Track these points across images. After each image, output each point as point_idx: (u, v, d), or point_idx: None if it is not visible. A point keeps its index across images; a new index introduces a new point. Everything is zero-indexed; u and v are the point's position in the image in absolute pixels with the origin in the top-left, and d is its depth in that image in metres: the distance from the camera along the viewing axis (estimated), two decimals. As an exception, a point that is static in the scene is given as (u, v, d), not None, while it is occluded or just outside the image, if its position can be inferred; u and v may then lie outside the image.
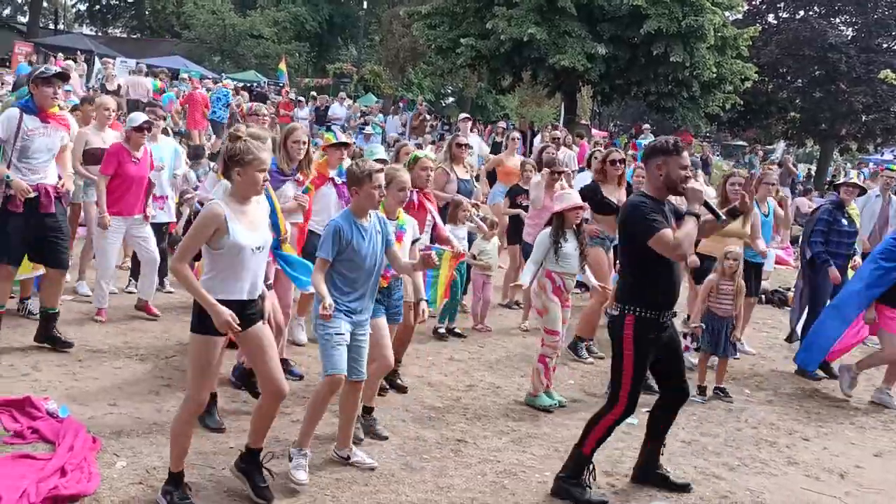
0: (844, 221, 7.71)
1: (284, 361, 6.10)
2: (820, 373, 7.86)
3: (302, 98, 25.40)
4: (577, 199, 6.48)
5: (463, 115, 13.88)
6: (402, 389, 6.33)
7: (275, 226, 5.29)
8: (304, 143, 6.40)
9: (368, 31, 48.65)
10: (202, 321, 4.10)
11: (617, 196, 7.84)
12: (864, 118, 36.03)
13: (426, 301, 5.57)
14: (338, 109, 25.10)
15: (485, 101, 46.34)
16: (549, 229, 6.42)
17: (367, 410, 5.50)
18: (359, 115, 25.82)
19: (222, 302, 4.07)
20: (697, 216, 4.59)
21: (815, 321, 7.79)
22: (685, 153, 4.71)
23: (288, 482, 4.57)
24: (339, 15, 48.14)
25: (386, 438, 5.41)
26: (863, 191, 8.88)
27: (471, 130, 14.35)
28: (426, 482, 4.86)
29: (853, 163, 38.52)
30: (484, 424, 5.92)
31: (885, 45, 36.62)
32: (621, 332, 4.72)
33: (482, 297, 8.61)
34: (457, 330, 8.15)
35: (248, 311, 4.20)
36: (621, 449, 5.67)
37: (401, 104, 33.48)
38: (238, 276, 4.13)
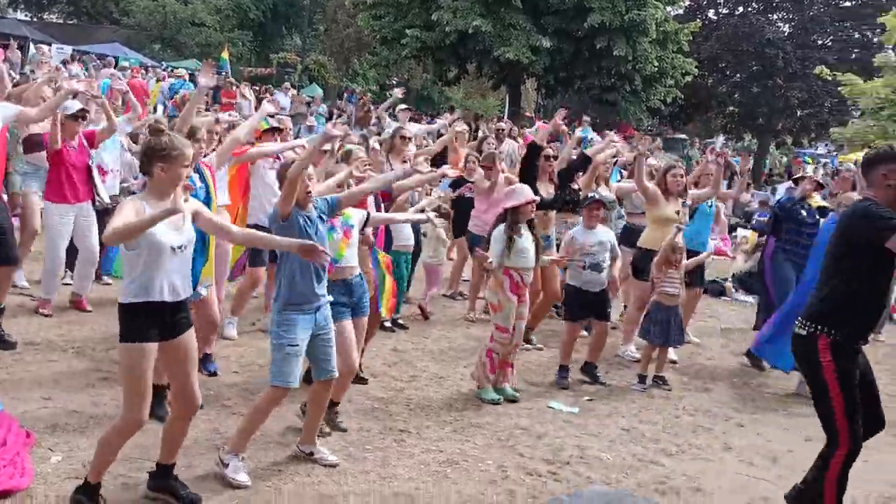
0: (804, 212, 7.85)
1: (206, 356, 6.05)
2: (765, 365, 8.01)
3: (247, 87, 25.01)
4: (529, 194, 6.43)
5: (402, 105, 13.75)
6: (362, 381, 6.30)
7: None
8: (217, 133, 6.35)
9: (313, 21, 48.19)
10: (131, 328, 3.87)
11: (547, 191, 7.90)
12: (799, 113, 36.88)
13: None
14: (282, 99, 24.81)
15: (430, 92, 46.28)
16: (503, 225, 6.33)
17: (332, 404, 5.48)
18: (304, 105, 25.55)
19: (145, 304, 3.85)
20: None
21: (779, 313, 7.93)
22: None
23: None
24: (283, 4, 47.56)
25: (345, 430, 5.41)
26: (820, 185, 9.06)
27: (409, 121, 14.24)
28: (369, 473, 4.87)
29: (788, 157, 39.39)
30: (427, 415, 5.95)
31: (819, 42, 37.50)
32: (816, 356, 4.25)
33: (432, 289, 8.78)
34: (401, 321, 8.16)
35: (175, 317, 4.00)
36: (562, 437, 5.75)
37: (346, 94, 33.29)
38: (160, 277, 3.88)
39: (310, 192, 4.63)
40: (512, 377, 6.55)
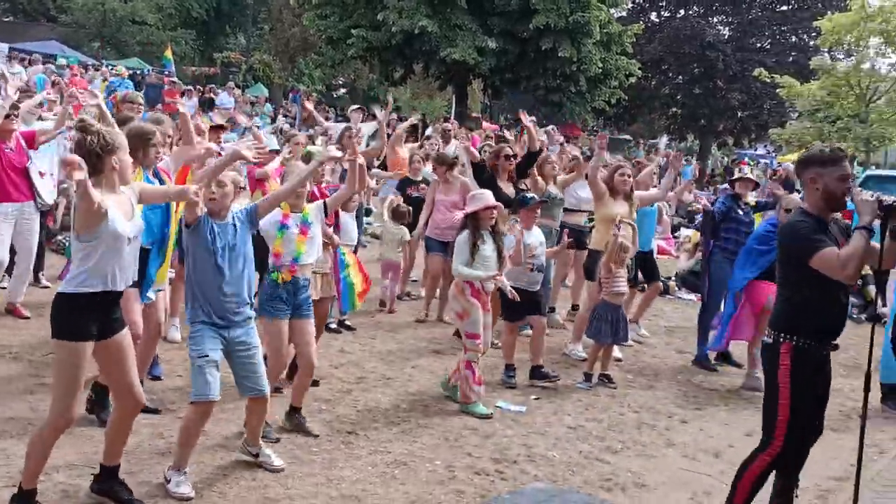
0: (741, 212, 8.00)
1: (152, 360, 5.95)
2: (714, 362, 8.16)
3: (190, 87, 24.69)
4: (489, 199, 6.39)
5: (354, 105, 13.73)
6: (314, 383, 6.24)
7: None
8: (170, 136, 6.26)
9: (258, 20, 47.70)
10: (69, 322, 3.82)
11: (508, 190, 7.97)
12: (739, 114, 37.70)
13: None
14: (225, 99, 24.55)
15: (377, 92, 46.15)
16: (465, 232, 6.27)
17: (296, 410, 5.46)
18: (248, 105, 25.31)
19: (93, 294, 3.83)
20: (870, 230, 3.98)
21: (714, 309, 8.08)
22: (845, 162, 4.24)
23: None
24: (227, 2, 46.95)
25: (316, 436, 5.37)
26: (756, 185, 9.23)
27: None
28: (315, 475, 4.84)
29: (730, 157, 40.21)
30: (374, 416, 5.94)
31: (758, 45, 38.36)
32: (776, 363, 4.27)
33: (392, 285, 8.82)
34: (348, 323, 8.12)
35: (111, 314, 3.96)
36: (509, 437, 5.78)
37: (291, 95, 33.03)
38: (114, 266, 3.87)
39: (213, 198, 4.44)
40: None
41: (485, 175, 8.16)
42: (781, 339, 4.24)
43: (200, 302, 4.45)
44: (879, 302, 11.38)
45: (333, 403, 6.08)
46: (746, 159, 23.94)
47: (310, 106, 13.41)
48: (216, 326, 4.45)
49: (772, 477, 4.45)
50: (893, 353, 6.77)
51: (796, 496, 4.59)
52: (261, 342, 4.74)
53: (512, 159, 8.18)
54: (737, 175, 8.39)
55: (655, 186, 9.12)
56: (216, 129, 7.01)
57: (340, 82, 50.91)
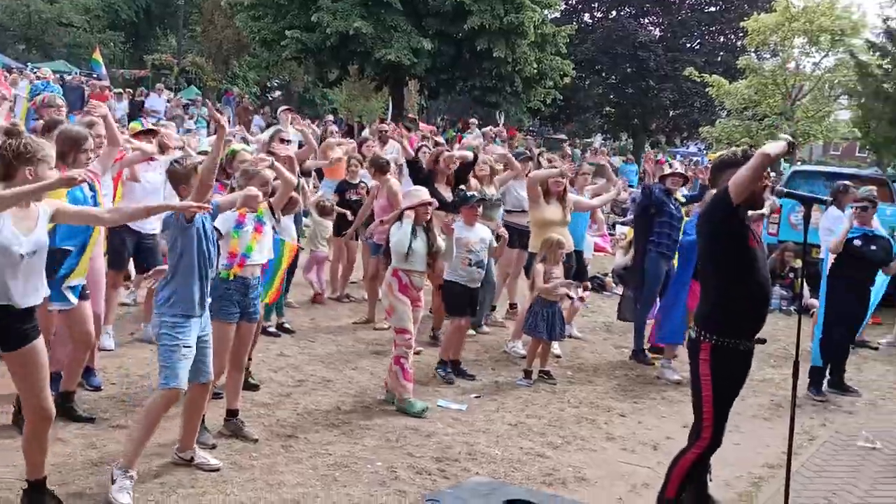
0: (672, 207, 8.14)
1: (89, 370, 5.82)
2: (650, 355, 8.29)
3: (120, 90, 24.15)
4: (425, 196, 6.43)
5: (283, 107, 13.57)
6: (253, 387, 6.16)
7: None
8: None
9: (189, 22, 46.89)
10: (6, 336, 3.79)
11: (444, 193, 8.00)
12: (671, 113, 38.47)
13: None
14: (156, 102, 24.08)
15: (312, 94, 45.76)
16: (399, 224, 6.28)
17: (233, 413, 5.40)
18: (182, 108, 24.85)
19: None
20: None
21: (649, 304, 8.21)
22: None
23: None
24: (156, 4, 46.06)
25: (256, 440, 5.30)
26: (686, 180, 9.41)
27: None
28: (255, 480, 4.78)
29: (662, 155, 40.95)
30: (315, 419, 5.89)
31: (688, 45, 39.20)
32: (697, 361, 4.40)
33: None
34: (287, 326, 8.04)
35: (23, 325, 3.86)
36: (451, 435, 5.79)
37: (224, 97, 32.55)
38: (7, 281, 3.73)
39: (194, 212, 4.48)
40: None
41: (422, 175, 8.17)
42: (703, 337, 4.35)
43: (183, 294, 4.46)
44: (807, 293, 11.72)
45: (272, 407, 6.01)
46: (668, 159, 24.34)
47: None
48: (193, 316, 4.49)
49: None
50: (822, 339, 6.96)
51: (710, 480, 4.78)
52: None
53: (451, 163, 8.24)
54: (667, 171, 8.53)
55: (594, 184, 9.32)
56: (147, 133, 6.87)
57: (275, 84, 50.38)
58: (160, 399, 4.48)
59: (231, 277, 5.12)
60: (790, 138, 4.40)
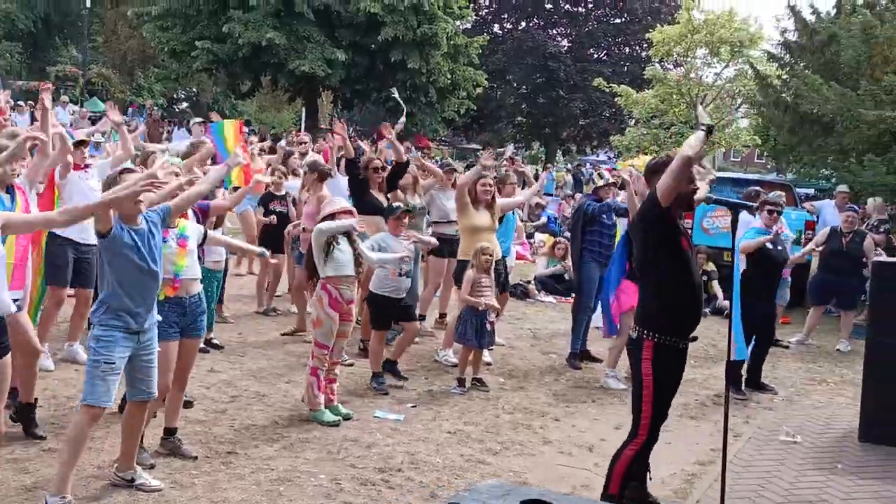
0: (604, 216, 8.34)
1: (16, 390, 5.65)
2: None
3: (21, 102, 23.31)
4: (344, 203, 6.47)
5: (196, 119, 13.38)
6: (187, 404, 6.04)
7: None
8: None
9: (91, 32, 45.57)
10: None
11: (379, 199, 8.04)
12: (581, 122, 39.33)
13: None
14: (60, 114, 23.32)
15: (221, 106, 45.10)
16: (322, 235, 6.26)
17: (171, 431, 5.30)
18: (87, 121, 24.13)
19: None
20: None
21: (586, 309, 8.40)
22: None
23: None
24: (56, 13, 44.59)
25: (195, 458, 5.22)
26: (621, 189, 9.67)
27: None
28: (199, 499, 4.71)
29: (573, 163, 41.78)
30: (253, 434, 5.83)
31: (595, 56, 40.17)
32: (639, 358, 4.54)
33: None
34: (215, 341, 7.91)
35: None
36: (391, 445, 5.81)
37: (131, 110, 31.75)
38: None
39: (140, 203, 4.39)
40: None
41: (360, 178, 8.18)
42: (645, 336, 4.50)
43: (117, 308, 4.36)
44: (720, 296, 12.17)
45: (209, 424, 5.92)
46: (603, 166, 25.01)
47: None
48: (129, 332, 4.39)
49: None
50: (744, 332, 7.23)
51: (650, 479, 4.93)
52: None
53: (381, 171, 8.28)
54: (600, 182, 8.74)
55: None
56: (77, 145, 6.71)
57: (182, 96, 49.40)
58: (80, 417, 4.40)
59: (162, 298, 5.03)
60: (709, 121, 4.61)
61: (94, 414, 4.39)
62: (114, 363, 4.36)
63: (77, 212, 4.46)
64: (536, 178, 10.52)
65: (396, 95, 11.67)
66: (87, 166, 6.72)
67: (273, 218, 9.10)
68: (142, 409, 4.71)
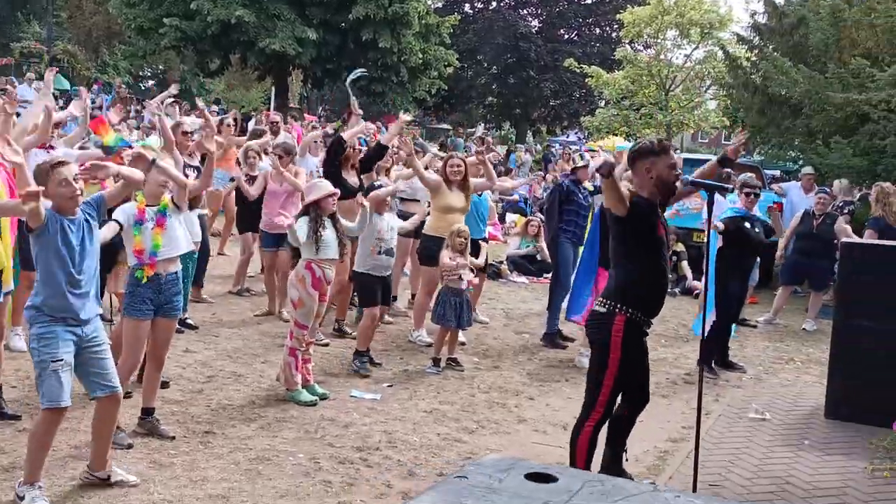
0: (580, 196, 8.41)
1: None
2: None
3: (-14, 80, 22.88)
4: (329, 188, 6.44)
5: (171, 98, 13.17)
6: (163, 385, 6.00)
7: None
8: None
9: (55, 8, 44.71)
10: None
11: (350, 180, 8.03)
12: (552, 103, 39.39)
13: None
14: (26, 91, 22.93)
15: (189, 84, 44.55)
16: (305, 218, 6.27)
17: (149, 411, 5.29)
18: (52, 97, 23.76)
19: None
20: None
21: (563, 289, 8.44)
22: (672, 152, 4.65)
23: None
24: (18, -12, 43.75)
25: (173, 438, 5.22)
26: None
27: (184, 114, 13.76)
28: (178, 477, 4.73)
29: (543, 144, 41.89)
30: (230, 414, 5.85)
31: (566, 37, 40.21)
32: (609, 333, 4.56)
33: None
34: (189, 321, 7.89)
35: None
36: (368, 425, 5.86)
37: (95, 87, 31.27)
38: None
39: (78, 194, 4.26)
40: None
41: (338, 160, 8.16)
42: (618, 310, 4.55)
43: (53, 302, 4.22)
44: (690, 276, 12.33)
45: (185, 404, 5.93)
46: (575, 151, 25.17)
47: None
48: (69, 325, 4.24)
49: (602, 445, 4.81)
50: (715, 312, 7.32)
51: (625, 460, 5.02)
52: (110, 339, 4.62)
53: (356, 151, 8.29)
54: (580, 163, 8.76)
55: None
56: None
57: (148, 73, 48.69)
58: (43, 421, 4.24)
59: (144, 280, 5.02)
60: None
61: (55, 416, 4.22)
62: (61, 359, 4.17)
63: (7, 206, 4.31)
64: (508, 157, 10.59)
65: (350, 78, 11.51)
66: (51, 147, 6.60)
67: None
68: (111, 403, 4.48)
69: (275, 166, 8.33)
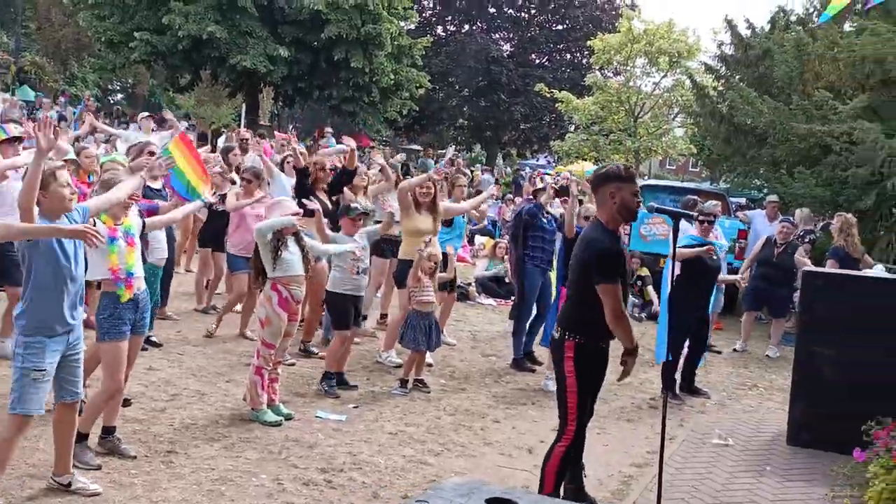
0: (544, 220, 8.46)
1: None
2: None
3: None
4: (292, 206, 6.43)
5: (143, 113, 13.16)
6: (126, 402, 5.92)
7: None
8: None
9: (24, 18, 44.26)
10: None
11: (325, 200, 8.04)
12: (522, 126, 39.67)
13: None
14: (-8, 102, 22.68)
15: (158, 98, 44.27)
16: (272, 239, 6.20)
17: (109, 430, 5.23)
18: (18, 109, 23.46)
19: None
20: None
21: (527, 314, 8.50)
22: (636, 179, 4.70)
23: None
24: (-14, -3, 43.26)
25: (134, 458, 5.16)
26: (558, 194, 9.80)
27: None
28: (139, 498, 4.66)
29: (513, 167, 42.15)
30: (193, 433, 5.77)
31: (537, 61, 40.56)
32: (562, 357, 4.67)
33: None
34: (153, 339, 7.79)
35: None
36: (333, 446, 5.82)
37: (62, 99, 31.00)
38: None
39: (70, 200, 4.34)
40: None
41: (307, 184, 8.13)
42: (567, 337, 4.67)
43: (42, 312, 4.26)
44: (656, 301, 12.42)
45: (148, 423, 5.85)
46: (547, 171, 25.35)
47: (92, 120, 12.55)
48: (58, 335, 4.31)
49: None
50: (669, 336, 7.38)
51: (585, 476, 5.10)
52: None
53: (327, 172, 8.28)
54: (539, 185, 8.85)
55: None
56: (11, 141, 6.51)
57: (117, 87, 48.35)
58: (8, 426, 4.29)
59: (126, 301, 4.98)
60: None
61: (23, 423, 4.29)
62: (44, 370, 4.26)
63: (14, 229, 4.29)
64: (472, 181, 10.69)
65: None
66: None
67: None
68: (69, 411, 4.58)
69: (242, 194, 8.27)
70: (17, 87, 32.46)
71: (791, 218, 12.03)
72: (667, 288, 8.10)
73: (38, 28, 40.21)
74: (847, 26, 14.38)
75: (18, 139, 6.56)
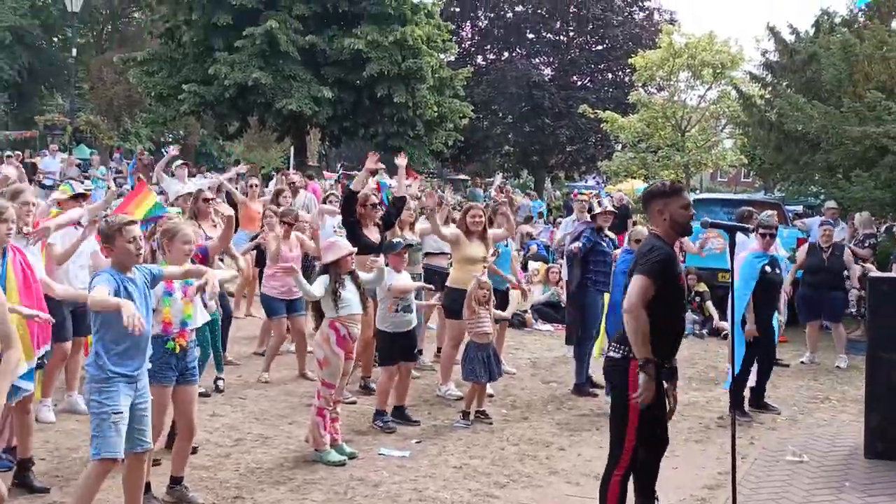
0: (604, 244, 8.39)
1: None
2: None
3: (10, 153, 23.32)
4: (347, 247, 6.46)
5: (178, 161, 13.29)
6: (192, 451, 5.96)
7: None
8: (33, 204, 6.01)
9: (77, 80, 45.75)
10: None
11: (374, 236, 8.06)
12: (568, 149, 39.54)
13: None
14: (50, 163, 23.41)
15: (209, 148, 45.20)
16: (325, 277, 6.26)
17: (177, 480, 5.28)
18: (76, 168, 24.18)
19: None
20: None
21: (589, 340, 8.43)
22: (685, 192, 4.65)
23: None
24: (40, 62, 44.74)
25: None
26: (615, 216, 9.73)
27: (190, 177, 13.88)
28: (209, 546, 4.68)
29: (562, 191, 41.98)
30: (259, 477, 5.80)
31: (579, 83, 40.48)
32: (626, 377, 4.51)
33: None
34: (219, 384, 7.88)
35: None
36: (398, 483, 5.78)
37: (116, 154, 31.82)
38: None
39: (139, 253, 4.51)
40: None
41: (352, 220, 8.15)
42: (630, 356, 4.49)
43: (113, 356, 4.39)
44: (716, 316, 12.20)
45: (214, 469, 5.89)
46: (581, 191, 25.18)
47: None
48: (129, 380, 4.43)
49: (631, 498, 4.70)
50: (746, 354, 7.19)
51: (657, 501, 4.87)
52: None
53: (377, 208, 8.29)
54: (597, 209, 8.77)
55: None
56: (77, 197, 6.71)
57: (170, 139, 49.54)
58: (93, 471, 4.40)
59: (177, 350, 5.06)
60: None
61: (105, 467, 4.39)
62: (121, 412, 4.39)
63: (76, 293, 4.47)
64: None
65: None
66: (78, 223, 6.56)
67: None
68: (139, 461, 4.67)
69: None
70: (75, 146, 33.46)
71: (831, 221, 11.80)
72: (741, 306, 7.88)
73: (90, 88, 41.47)
74: (895, 24, 14.09)
75: (84, 195, 6.75)
